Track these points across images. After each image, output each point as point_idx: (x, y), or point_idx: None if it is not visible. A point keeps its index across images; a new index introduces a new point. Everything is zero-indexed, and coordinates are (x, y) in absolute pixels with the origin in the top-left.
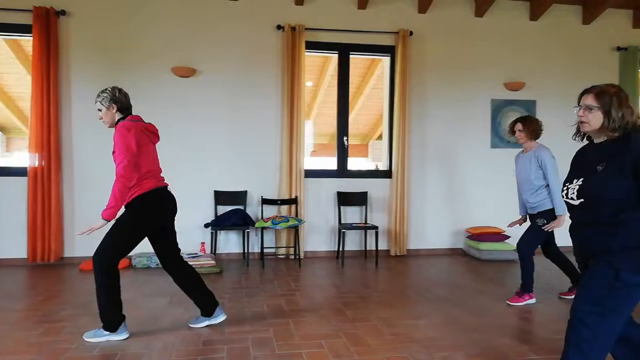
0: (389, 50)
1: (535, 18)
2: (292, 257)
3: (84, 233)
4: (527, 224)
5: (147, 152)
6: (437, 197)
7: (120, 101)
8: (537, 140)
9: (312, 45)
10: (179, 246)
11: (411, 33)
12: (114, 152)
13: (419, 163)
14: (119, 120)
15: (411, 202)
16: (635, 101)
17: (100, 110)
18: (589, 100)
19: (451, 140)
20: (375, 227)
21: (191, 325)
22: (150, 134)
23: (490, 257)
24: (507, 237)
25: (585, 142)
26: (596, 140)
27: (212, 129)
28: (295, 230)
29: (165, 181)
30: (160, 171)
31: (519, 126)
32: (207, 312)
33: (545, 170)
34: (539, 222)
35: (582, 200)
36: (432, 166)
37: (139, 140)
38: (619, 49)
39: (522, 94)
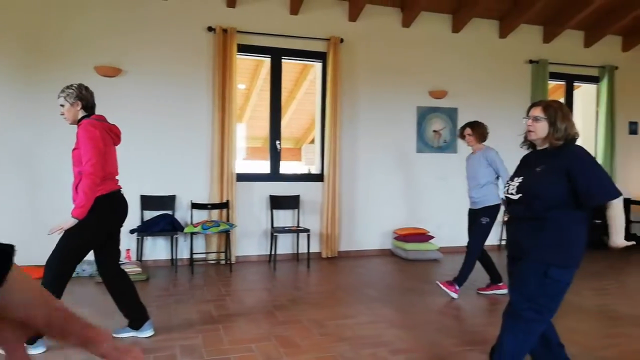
0: (320, 56)
1: (457, 30)
2: (223, 262)
3: (55, 232)
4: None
5: (109, 153)
6: (367, 200)
7: (85, 99)
8: (484, 143)
9: (244, 49)
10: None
11: (342, 40)
12: (74, 150)
13: (350, 166)
14: (81, 118)
15: (342, 205)
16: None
17: (62, 105)
18: (537, 112)
19: (380, 145)
20: (307, 230)
21: (115, 335)
22: (113, 135)
23: (416, 256)
24: (432, 237)
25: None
26: (539, 148)
27: (139, 131)
28: (226, 234)
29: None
30: (118, 174)
31: (468, 130)
32: (136, 324)
33: (495, 167)
34: (483, 222)
35: (521, 195)
36: (362, 169)
37: (104, 140)
38: (531, 61)
39: (445, 102)
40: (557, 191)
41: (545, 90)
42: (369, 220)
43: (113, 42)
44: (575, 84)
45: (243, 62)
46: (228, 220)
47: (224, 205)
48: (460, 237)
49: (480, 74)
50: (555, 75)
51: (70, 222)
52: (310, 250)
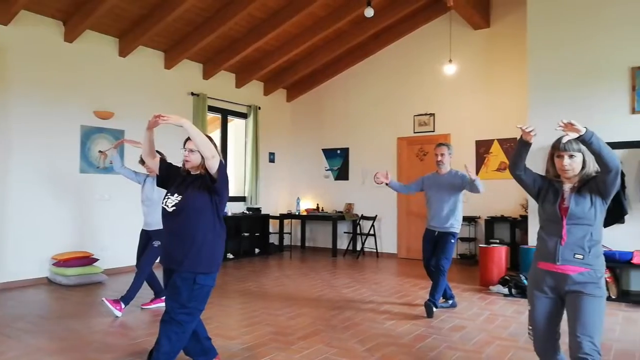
0: None
1: (124, 55)
2: None
3: None
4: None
5: None
6: (19, 225)
7: None
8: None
9: None
10: None
11: None
12: None
13: None
14: None
15: None
16: None
17: None
18: (192, 145)
19: (37, 164)
20: None
21: None
22: None
23: (79, 281)
24: (96, 260)
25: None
26: (193, 173)
27: None
28: None
29: None
30: None
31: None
32: None
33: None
34: (155, 244)
35: (175, 208)
36: (14, 191)
37: None
38: (192, 94)
39: (112, 123)
40: (204, 203)
41: (204, 121)
42: (21, 248)
43: None
44: (229, 117)
45: None
46: None
47: None
48: (126, 257)
49: (147, 100)
50: (213, 109)
51: None
52: None
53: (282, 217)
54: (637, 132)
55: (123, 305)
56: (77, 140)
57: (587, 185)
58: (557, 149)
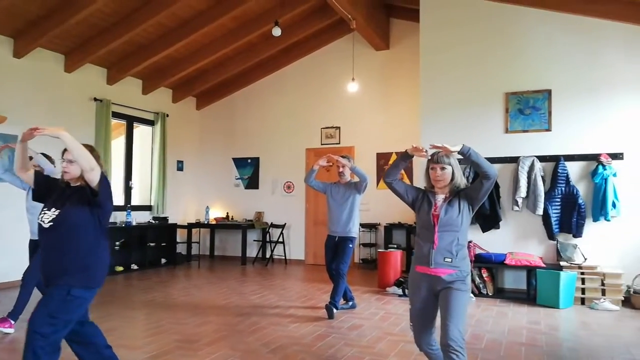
0: None
1: (20, 56)
2: None
3: None
4: None
5: None
6: None
7: None
8: None
9: None
10: None
11: None
12: None
13: None
14: None
15: None
16: (108, 146)
17: None
18: (70, 155)
19: None
20: None
21: None
22: None
23: None
24: None
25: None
26: (72, 184)
27: None
28: None
29: None
30: None
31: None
32: None
33: None
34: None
35: (52, 224)
36: None
37: None
38: (95, 99)
39: (4, 128)
40: (86, 218)
41: (108, 127)
42: None
43: None
44: (135, 124)
45: None
46: None
47: None
48: (14, 271)
49: (44, 104)
50: (117, 115)
51: None
52: None
53: (190, 227)
54: (509, 149)
55: (12, 322)
56: None
57: (457, 195)
58: (431, 162)
